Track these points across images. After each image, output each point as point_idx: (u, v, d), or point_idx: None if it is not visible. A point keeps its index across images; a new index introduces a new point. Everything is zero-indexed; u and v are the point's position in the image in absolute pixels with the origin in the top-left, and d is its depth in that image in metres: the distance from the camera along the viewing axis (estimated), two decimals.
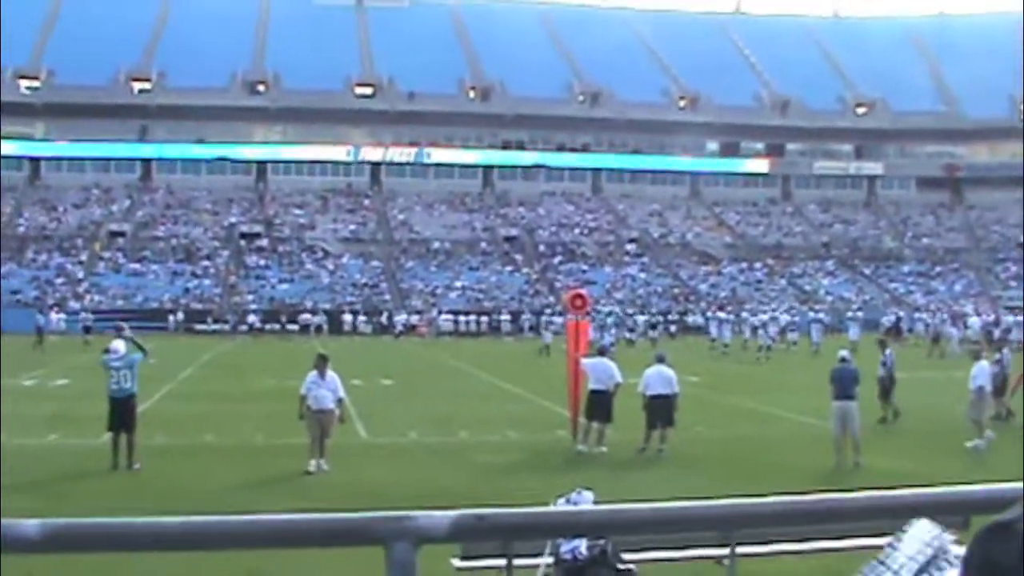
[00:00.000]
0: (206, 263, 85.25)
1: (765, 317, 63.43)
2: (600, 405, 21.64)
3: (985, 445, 21.56)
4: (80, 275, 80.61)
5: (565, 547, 8.54)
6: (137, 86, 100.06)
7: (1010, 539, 1.30)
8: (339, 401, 19.57)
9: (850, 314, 64.91)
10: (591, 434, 21.59)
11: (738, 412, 27.22)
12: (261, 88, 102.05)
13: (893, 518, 3.04)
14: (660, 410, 21.30)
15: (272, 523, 2.58)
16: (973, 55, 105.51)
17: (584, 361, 22.55)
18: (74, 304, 72.56)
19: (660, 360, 22.38)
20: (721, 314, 65.86)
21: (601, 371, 22.03)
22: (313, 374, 19.47)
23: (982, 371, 22.60)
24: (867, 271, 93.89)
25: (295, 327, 71.82)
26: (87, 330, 59.65)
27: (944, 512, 3.01)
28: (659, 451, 21.07)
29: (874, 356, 26.31)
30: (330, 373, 19.56)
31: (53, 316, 67.45)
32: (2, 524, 2.48)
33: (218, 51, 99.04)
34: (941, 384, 24.21)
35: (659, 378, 21.59)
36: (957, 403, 24.32)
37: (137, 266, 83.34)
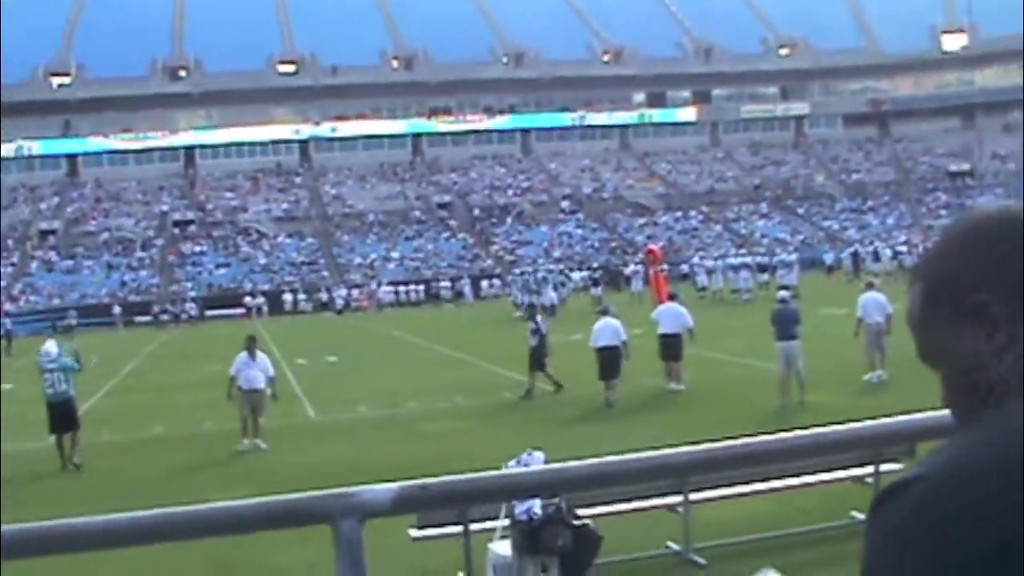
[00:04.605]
0: (141, 254, 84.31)
1: (736, 261, 62.91)
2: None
3: (876, 380, 21.78)
4: (5, 279, 79.22)
5: (520, 508, 8.59)
6: (56, 80, 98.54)
7: (906, 499, 1.25)
8: (270, 380, 19.83)
9: (785, 256, 64.39)
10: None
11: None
12: (182, 73, 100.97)
13: (842, 452, 3.09)
14: (608, 361, 21.50)
15: (215, 511, 2.57)
16: None
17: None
18: (9, 306, 71.37)
19: (605, 312, 22.65)
20: (708, 262, 64.69)
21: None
22: (243, 355, 19.87)
23: (867, 302, 22.30)
24: (800, 211, 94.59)
25: (237, 311, 71.09)
26: (53, 328, 58.64)
27: (889, 443, 3.06)
28: (607, 403, 21.28)
29: (814, 297, 26.38)
30: (260, 354, 20.02)
31: None
32: None
33: (136, 39, 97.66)
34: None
35: (606, 329, 21.78)
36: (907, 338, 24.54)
37: (71, 263, 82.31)
